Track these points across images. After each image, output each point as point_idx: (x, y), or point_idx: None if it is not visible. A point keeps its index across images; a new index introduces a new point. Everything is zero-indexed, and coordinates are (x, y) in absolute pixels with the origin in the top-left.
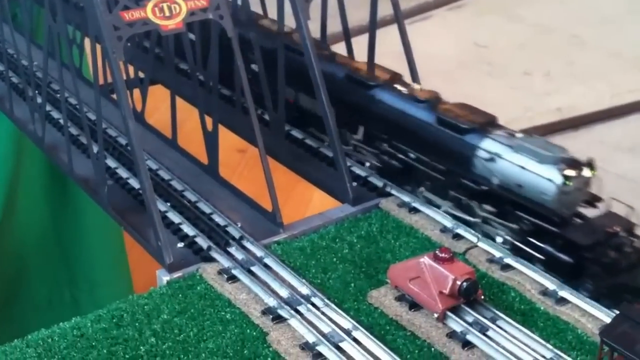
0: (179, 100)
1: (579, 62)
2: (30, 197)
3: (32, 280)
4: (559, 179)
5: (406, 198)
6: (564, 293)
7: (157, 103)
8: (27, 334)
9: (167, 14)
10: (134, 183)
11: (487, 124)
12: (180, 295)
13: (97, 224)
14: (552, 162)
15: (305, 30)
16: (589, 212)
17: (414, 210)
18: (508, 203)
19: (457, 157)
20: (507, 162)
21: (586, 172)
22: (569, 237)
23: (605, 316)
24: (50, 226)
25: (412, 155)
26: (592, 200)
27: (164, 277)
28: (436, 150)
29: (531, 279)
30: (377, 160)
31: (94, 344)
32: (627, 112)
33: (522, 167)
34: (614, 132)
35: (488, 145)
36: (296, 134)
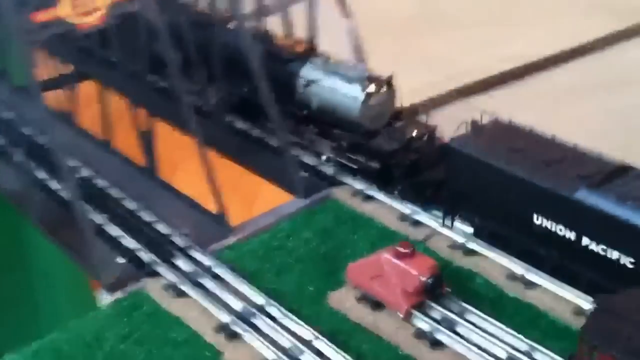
0: (115, 98)
1: (528, 9)
2: None
3: None
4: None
5: (359, 186)
6: (533, 276)
7: (90, 101)
8: None
9: (86, 10)
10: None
11: None
12: (124, 318)
13: None
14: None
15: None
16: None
17: (369, 198)
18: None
19: None
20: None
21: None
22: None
23: (579, 299)
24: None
25: None
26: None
27: (105, 299)
28: None
29: (497, 263)
30: None
31: None
32: (573, 57)
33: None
34: (560, 78)
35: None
36: (239, 124)
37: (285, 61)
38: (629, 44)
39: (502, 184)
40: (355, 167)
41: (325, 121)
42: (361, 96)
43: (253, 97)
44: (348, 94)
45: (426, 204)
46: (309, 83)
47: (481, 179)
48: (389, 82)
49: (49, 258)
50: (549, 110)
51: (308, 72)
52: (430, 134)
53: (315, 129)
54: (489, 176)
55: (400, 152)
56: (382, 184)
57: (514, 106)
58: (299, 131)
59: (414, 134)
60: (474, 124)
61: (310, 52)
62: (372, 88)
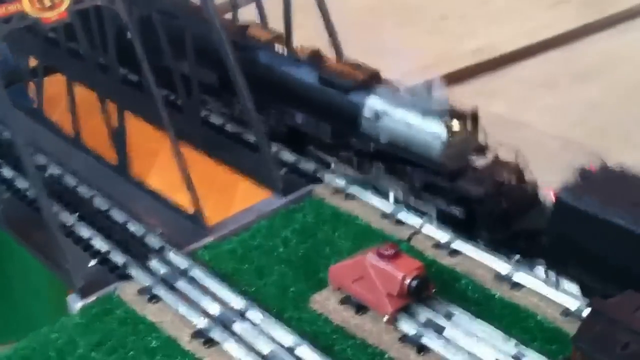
0: (86, 92)
1: (493, 2)
2: None
3: None
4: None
5: (341, 183)
6: (519, 276)
7: (58, 95)
8: None
9: (48, 3)
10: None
11: None
12: (97, 324)
13: None
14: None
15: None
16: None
17: (350, 195)
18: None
19: None
20: None
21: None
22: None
23: (567, 300)
24: None
25: None
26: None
27: (76, 304)
28: None
29: (482, 263)
30: None
31: None
32: (543, 49)
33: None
34: (531, 70)
35: None
36: (214, 118)
37: (346, 89)
38: (599, 36)
39: (623, 243)
40: (434, 214)
41: (397, 158)
42: (443, 133)
43: (306, 128)
44: (427, 130)
45: (518, 257)
46: (378, 115)
47: (596, 236)
48: (474, 116)
49: (25, 260)
50: (522, 100)
51: (375, 102)
52: (519, 175)
53: (383, 166)
54: (607, 234)
55: (489, 198)
56: (465, 234)
57: (486, 96)
58: (363, 167)
59: (503, 175)
60: (582, 171)
61: (374, 79)
62: (455, 124)
